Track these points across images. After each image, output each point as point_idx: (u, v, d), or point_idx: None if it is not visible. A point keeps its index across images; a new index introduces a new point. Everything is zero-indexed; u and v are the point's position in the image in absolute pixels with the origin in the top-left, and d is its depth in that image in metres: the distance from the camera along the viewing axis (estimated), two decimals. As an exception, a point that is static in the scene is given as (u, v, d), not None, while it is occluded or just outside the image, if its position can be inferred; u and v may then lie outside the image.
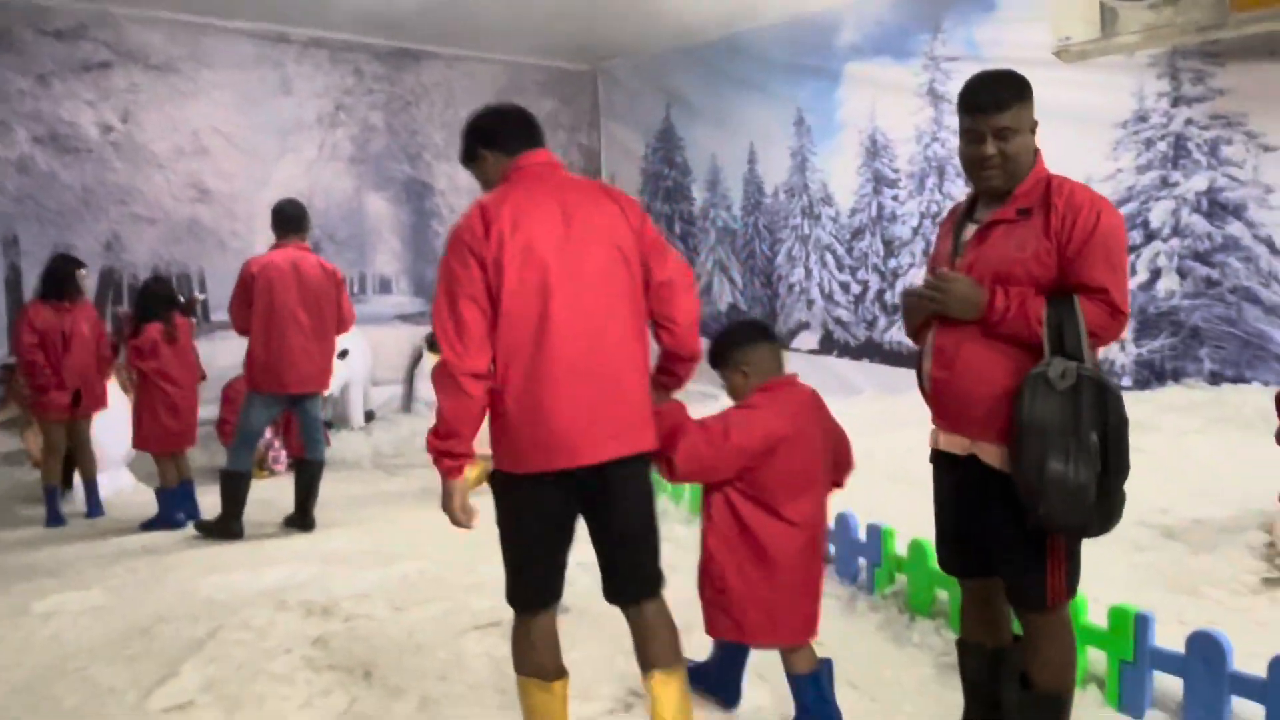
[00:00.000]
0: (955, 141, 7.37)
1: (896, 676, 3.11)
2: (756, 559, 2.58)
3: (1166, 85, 5.93)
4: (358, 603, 3.59)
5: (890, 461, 5.31)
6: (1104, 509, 2.09)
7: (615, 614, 3.43)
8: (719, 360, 2.76)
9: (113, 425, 5.80)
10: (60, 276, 5.48)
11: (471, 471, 2.41)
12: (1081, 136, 6.16)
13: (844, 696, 2.97)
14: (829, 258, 7.98)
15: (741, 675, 2.94)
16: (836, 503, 4.34)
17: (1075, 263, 2.12)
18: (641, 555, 2.48)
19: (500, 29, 8.78)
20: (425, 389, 7.61)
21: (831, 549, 3.99)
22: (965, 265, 2.27)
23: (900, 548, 3.64)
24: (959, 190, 6.92)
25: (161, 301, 5.40)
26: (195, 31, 8.22)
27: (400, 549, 4.44)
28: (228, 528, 4.85)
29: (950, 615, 3.32)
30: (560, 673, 2.43)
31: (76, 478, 5.83)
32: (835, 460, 2.78)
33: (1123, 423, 2.09)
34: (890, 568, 3.65)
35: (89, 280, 5.89)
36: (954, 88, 6.80)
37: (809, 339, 8.22)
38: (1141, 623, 2.71)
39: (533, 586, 2.40)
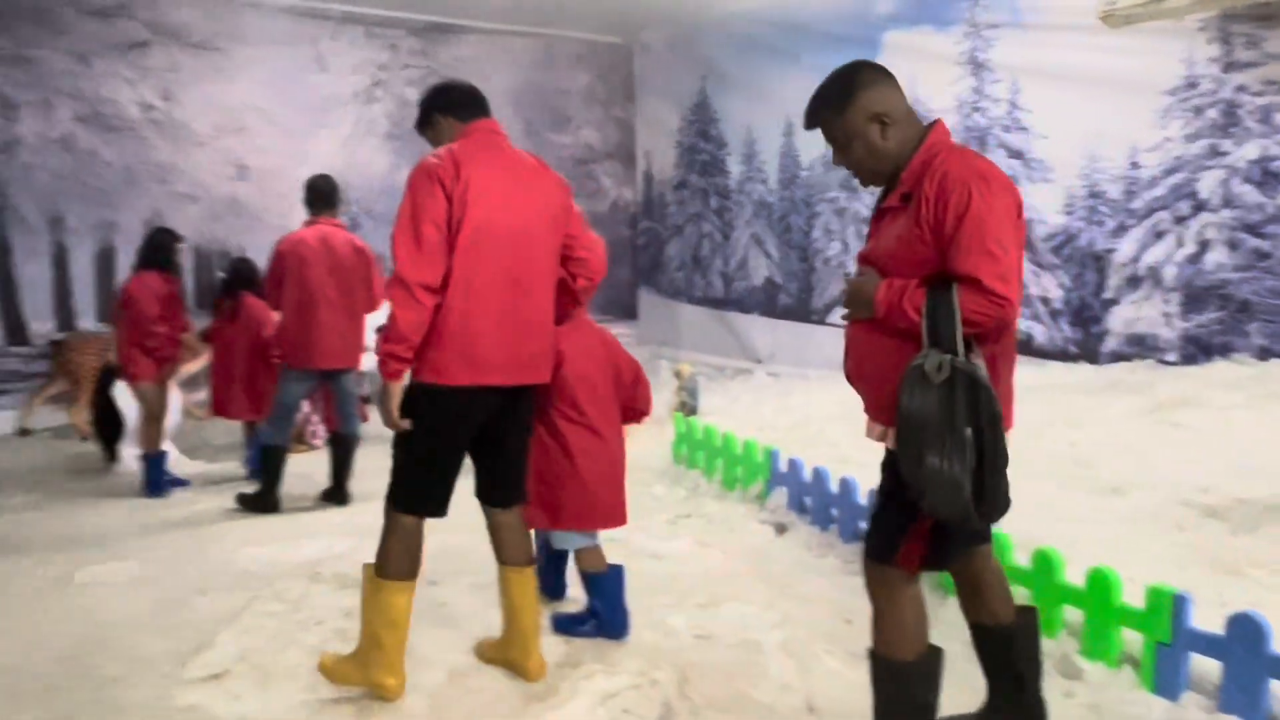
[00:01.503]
0: (997, 110, 7.16)
1: (926, 655, 3.07)
2: (571, 459, 3.14)
3: (1217, 50, 5.74)
4: (389, 576, 3.62)
5: (926, 437, 5.25)
6: (983, 501, 2.05)
7: (636, 589, 3.44)
8: None
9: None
10: (167, 248, 5.60)
11: None
12: (1127, 104, 6.01)
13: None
14: (866, 231, 7.87)
15: (563, 573, 3.50)
16: (869, 478, 4.32)
17: (949, 249, 2.04)
18: (519, 469, 2.95)
19: (535, 2, 8.74)
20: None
21: (863, 526, 3.96)
22: (862, 256, 2.27)
23: (933, 525, 3.59)
24: (1001, 160, 6.77)
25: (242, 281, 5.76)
26: (232, 9, 8.29)
27: (432, 524, 4.46)
28: (265, 501, 4.93)
29: (983, 594, 3.28)
30: (414, 573, 2.77)
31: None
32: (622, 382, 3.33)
33: (995, 417, 2.03)
34: (922, 545, 3.60)
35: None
36: (996, 55, 6.70)
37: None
38: (1179, 604, 2.64)
39: (438, 490, 2.75)
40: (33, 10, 7.51)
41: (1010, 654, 2.42)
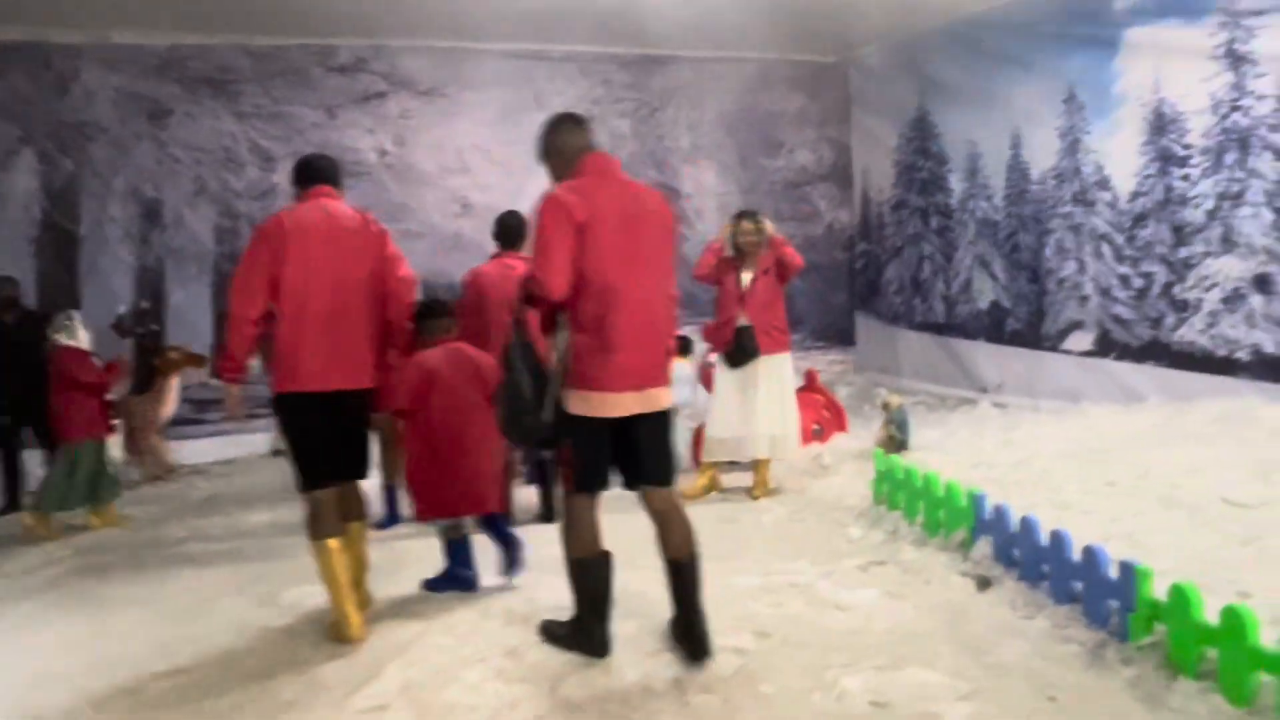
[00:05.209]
0: (1261, 109, 6.33)
1: (1145, 746, 2.63)
2: (436, 457, 3.95)
3: None
4: (558, 614, 3.57)
5: (1167, 482, 4.61)
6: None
7: (813, 644, 3.18)
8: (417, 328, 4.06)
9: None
10: None
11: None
12: None
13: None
14: (1105, 248, 7.12)
15: (469, 564, 4.10)
16: (1091, 528, 3.82)
17: None
18: (360, 452, 3.84)
19: (746, 27, 8.62)
20: (675, 393, 7.56)
21: (1078, 586, 3.49)
22: None
23: (1162, 590, 3.09)
24: (1266, 165, 5.92)
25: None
26: (458, 56, 8.78)
27: (620, 559, 4.40)
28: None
29: (1220, 677, 2.78)
30: (339, 532, 3.64)
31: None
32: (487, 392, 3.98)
33: (500, 365, 3.29)
34: (1147, 614, 3.12)
35: None
36: (1261, 46, 5.91)
37: (1082, 339, 7.38)
38: None
39: (312, 468, 3.62)
40: (288, 71, 8.31)
41: (684, 581, 3.21)
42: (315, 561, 3.59)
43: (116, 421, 6.38)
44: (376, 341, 3.75)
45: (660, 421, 3.25)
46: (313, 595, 4.05)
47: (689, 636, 3.20)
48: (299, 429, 3.61)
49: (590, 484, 3.21)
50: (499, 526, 4.16)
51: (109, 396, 6.05)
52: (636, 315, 3.12)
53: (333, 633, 3.58)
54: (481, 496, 4.02)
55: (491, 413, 3.94)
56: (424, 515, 4.08)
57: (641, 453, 3.21)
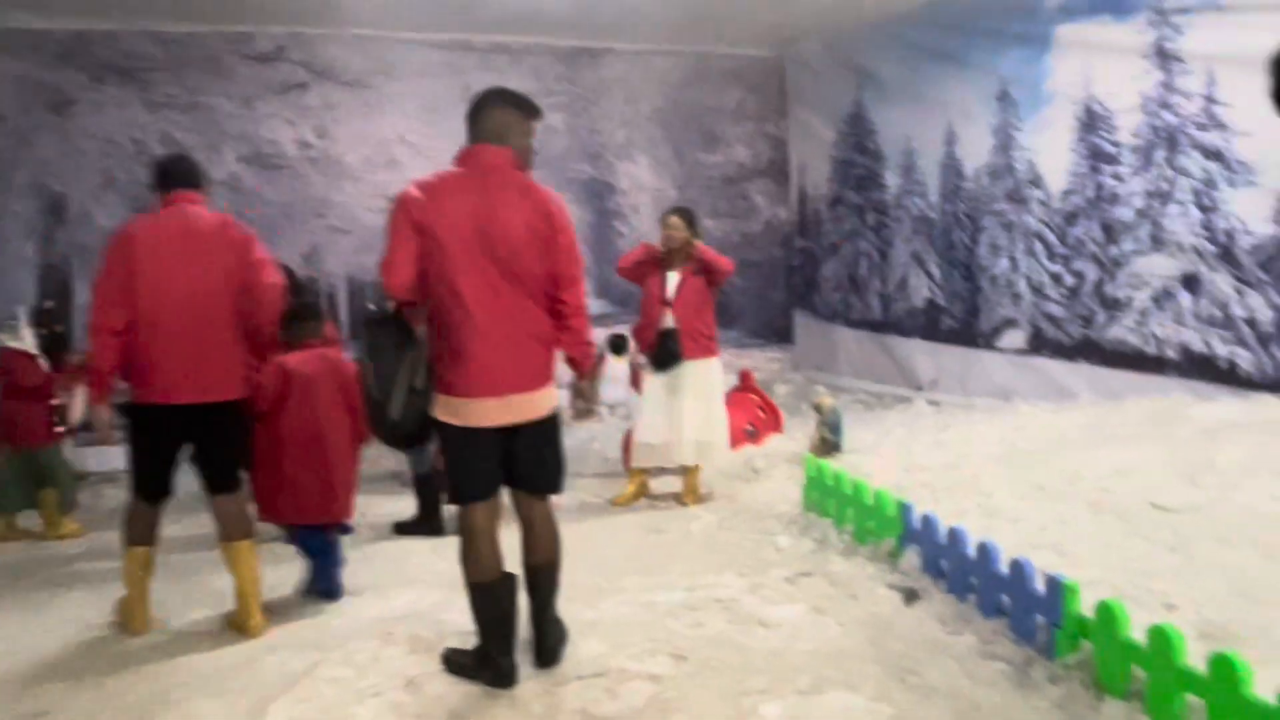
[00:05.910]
0: (1190, 108, 6.26)
1: (1071, 772, 2.52)
2: (284, 461, 3.88)
3: None
4: (463, 639, 3.36)
5: (1096, 486, 4.54)
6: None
7: (733, 666, 3.01)
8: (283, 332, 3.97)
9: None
10: None
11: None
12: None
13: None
14: (1038, 246, 7.10)
15: (333, 570, 4.05)
16: (1020, 536, 3.72)
17: None
18: (225, 464, 3.74)
19: (682, 19, 8.44)
20: (609, 392, 7.34)
21: (1005, 599, 3.38)
22: None
23: (1089, 602, 2.99)
24: (1194, 164, 5.91)
25: None
26: (383, 46, 8.47)
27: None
28: (431, 526, 5.14)
29: (1147, 698, 2.68)
30: (150, 540, 3.72)
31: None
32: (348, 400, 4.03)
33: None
34: (1074, 631, 3.01)
35: None
36: (1188, 44, 5.85)
37: (1015, 337, 7.35)
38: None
39: (147, 480, 3.63)
40: (202, 59, 7.94)
41: (541, 586, 3.18)
42: (122, 560, 3.73)
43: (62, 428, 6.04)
44: (243, 350, 3.69)
45: (537, 429, 3.09)
46: (204, 621, 3.81)
47: (542, 646, 3.16)
48: (142, 441, 3.60)
49: (465, 495, 3.06)
50: (322, 541, 4.06)
51: (55, 401, 5.68)
52: (494, 323, 2.95)
53: (120, 616, 3.79)
54: (326, 506, 3.96)
55: (351, 422, 4.00)
56: (262, 517, 3.98)
57: (518, 461, 3.10)
